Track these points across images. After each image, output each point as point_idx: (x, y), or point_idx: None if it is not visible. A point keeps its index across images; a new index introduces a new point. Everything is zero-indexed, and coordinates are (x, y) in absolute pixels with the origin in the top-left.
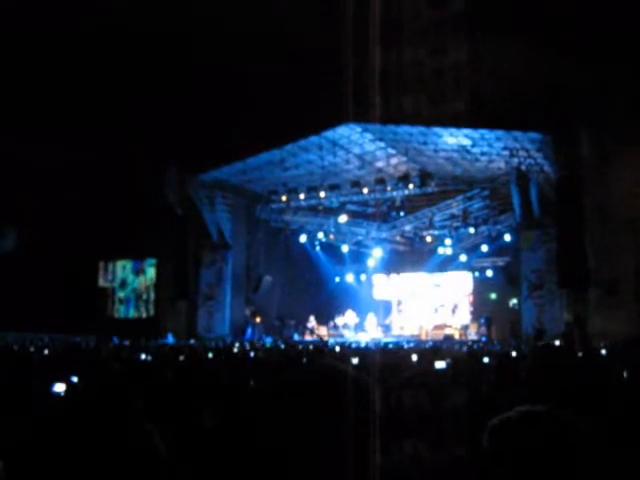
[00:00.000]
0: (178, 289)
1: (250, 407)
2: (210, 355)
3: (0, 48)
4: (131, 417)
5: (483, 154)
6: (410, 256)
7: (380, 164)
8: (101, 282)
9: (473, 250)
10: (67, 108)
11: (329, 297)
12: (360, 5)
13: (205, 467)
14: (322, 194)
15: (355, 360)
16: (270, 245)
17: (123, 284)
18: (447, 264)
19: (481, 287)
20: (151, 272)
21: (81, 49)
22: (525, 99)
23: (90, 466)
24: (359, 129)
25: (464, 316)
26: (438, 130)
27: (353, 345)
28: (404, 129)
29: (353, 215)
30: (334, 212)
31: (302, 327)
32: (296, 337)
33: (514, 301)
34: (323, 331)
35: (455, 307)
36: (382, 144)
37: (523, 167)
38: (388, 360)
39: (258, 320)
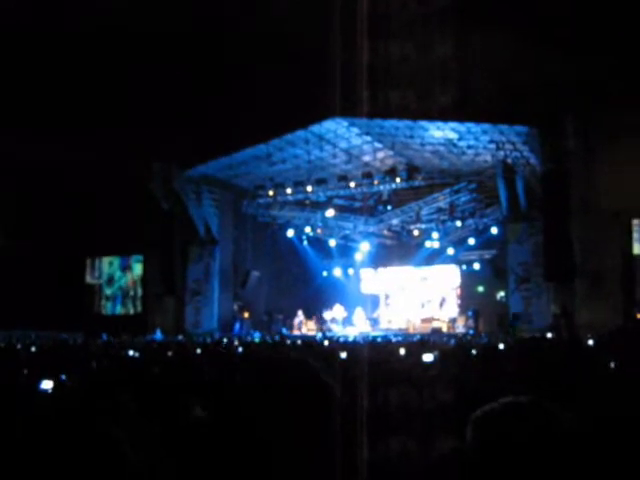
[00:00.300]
0: (165, 285)
1: (237, 402)
2: (198, 351)
3: (0, 48)
4: (99, 424)
5: (469, 147)
6: (397, 250)
7: (367, 158)
8: (88, 279)
9: (460, 243)
10: (50, 107)
11: (317, 291)
12: (348, 0)
13: (192, 462)
14: (309, 188)
15: (344, 354)
16: (257, 240)
17: (110, 281)
18: (434, 257)
19: (468, 280)
20: (138, 268)
21: (81, 49)
22: (511, 92)
23: (65, 467)
24: (346, 123)
25: (452, 309)
26: (424, 124)
27: (341, 339)
28: (390, 123)
29: (340, 209)
30: (321, 206)
31: (290, 322)
32: (284, 331)
33: (501, 294)
34: (311, 325)
35: (443, 300)
36: (369, 138)
37: (509, 160)
38: (376, 354)
39: (246, 315)
